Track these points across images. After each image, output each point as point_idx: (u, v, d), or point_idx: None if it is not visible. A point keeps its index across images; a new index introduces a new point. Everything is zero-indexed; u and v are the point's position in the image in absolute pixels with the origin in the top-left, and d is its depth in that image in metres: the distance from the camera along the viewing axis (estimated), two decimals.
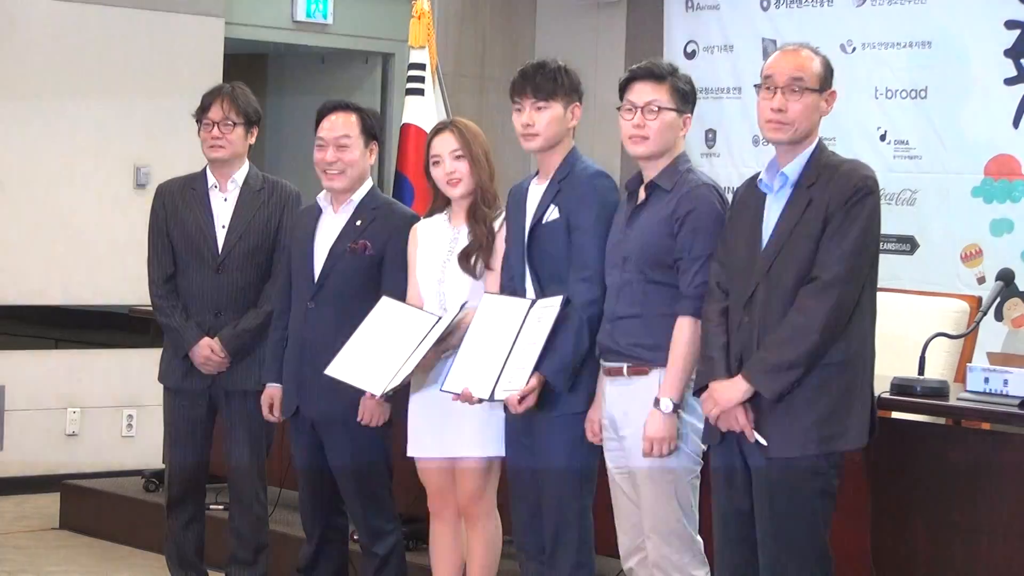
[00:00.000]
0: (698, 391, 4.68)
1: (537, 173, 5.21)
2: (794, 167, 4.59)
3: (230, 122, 5.92)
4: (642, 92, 4.89)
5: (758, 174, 4.69)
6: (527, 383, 4.95)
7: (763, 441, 4.51)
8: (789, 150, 4.61)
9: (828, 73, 4.64)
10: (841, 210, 4.48)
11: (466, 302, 5.25)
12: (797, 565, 4.50)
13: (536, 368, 4.95)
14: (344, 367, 5.32)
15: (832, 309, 4.45)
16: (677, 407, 4.76)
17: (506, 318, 5.08)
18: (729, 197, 4.91)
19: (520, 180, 5.30)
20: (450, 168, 5.31)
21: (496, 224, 5.30)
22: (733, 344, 4.59)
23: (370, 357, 5.30)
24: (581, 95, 5.15)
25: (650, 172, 4.93)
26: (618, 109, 4.94)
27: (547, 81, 5.08)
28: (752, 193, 4.69)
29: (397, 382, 5.22)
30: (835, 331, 4.46)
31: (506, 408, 5.07)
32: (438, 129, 5.41)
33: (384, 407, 5.42)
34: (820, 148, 4.62)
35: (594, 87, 5.21)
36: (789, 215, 4.56)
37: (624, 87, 4.94)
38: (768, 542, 4.53)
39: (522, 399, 4.95)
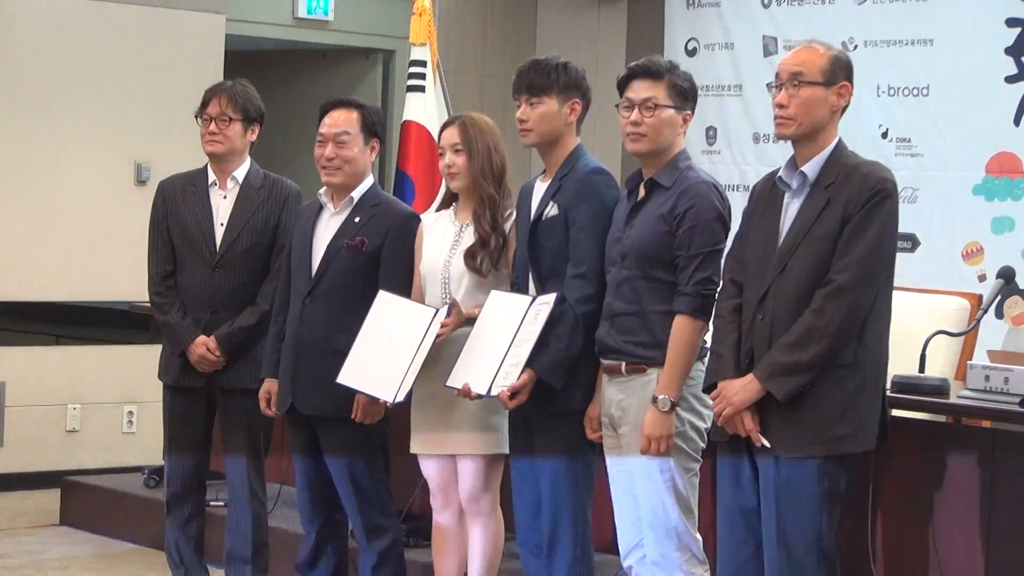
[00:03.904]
0: (707, 388, 4.67)
1: (545, 171, 5.23)
2: (813, 166, 4.56)
3: (227, 117, 5.91)
4: (639, 89, 4.88)
5: (777, 170, 4.66)
6: (518, 379, 4.95)
7: (767, 444, 4.49)
8: (806, 148, 4.57)
9: (837, 67, 4.59)
10: (859, 212, 4.45)
11: (451, 299, 5.25)
12: (803, 565, 4.48)
13: (528, 364, 4.95)
14: (354, 374, 5.30)
15: (847, 313, 4.42)
16: (675, 405, 4.75)
17: (508, 314, 5.08)
18: (729, 195, 4.91)
19: (529, 178, 5.32)
20: (448, 161, 5.34)
21: (507, 225, 5.30)
22: (745, 340, 4.57)
23: (377, 360, 5.28)
24: (583, 92, 5.14)
25: (650, 169, 4.92)
26: (617, 106, 4.94)
27: (540, 77, 5.09)
28: (771, 190, 4.65)
29: (408, 387, 5.22)
30: (849, 334, 4.43)
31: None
32: (448, 122, 5.46)
33: (380, 404, 5.41)
34: (840, 148, 4.59)
35: (594, 84, 5.20)
36: (807, 214, 4.53)
37: (623, 84, 4.93)
38: (774, 542, 4.51)
39: (514, 395, 4.96)
